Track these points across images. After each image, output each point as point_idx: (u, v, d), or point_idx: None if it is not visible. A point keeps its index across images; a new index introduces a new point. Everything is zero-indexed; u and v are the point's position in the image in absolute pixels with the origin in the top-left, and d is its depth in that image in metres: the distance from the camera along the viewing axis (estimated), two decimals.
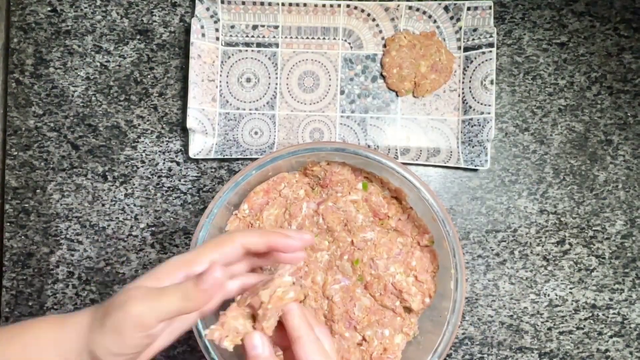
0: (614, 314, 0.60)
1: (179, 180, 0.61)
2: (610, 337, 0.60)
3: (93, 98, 0.62)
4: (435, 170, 0.61)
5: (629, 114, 0.61)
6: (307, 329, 0.34)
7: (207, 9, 0.60)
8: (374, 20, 0.61)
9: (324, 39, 0.62)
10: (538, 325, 0.60)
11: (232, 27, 0.61)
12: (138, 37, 0.62)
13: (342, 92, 0.62)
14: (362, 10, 0.60)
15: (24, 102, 0.61)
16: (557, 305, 0.60)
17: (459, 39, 0.61)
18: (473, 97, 0.59)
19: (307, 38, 0.62)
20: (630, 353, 0.60)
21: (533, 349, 0.60)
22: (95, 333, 0.33)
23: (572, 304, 0.60)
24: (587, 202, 0.60)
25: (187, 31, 0.62)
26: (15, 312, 0.61)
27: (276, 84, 0.62)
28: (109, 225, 0.61)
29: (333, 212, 0.53)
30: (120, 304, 0.32)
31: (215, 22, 0.61)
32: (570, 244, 0.60)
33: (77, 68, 0.62)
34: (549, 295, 0.60)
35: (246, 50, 0.62)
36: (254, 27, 0.62)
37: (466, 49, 0.60)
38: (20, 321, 0.35)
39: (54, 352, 0.34)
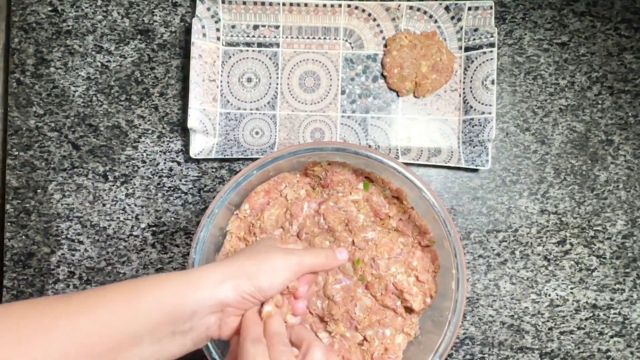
0: (614, 314, 0.60)
1: (180, 180, 0.61)
2: (611, 337, 0.60)
3: (94, 98, 0.62)
4: (436, 170, 0.61)
5: (629, 114, 0.61)
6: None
7: (208, 9, 0.60)
8: (374, 20, 0.61)
9: (324, 39, 0.62)
10: (539, 325, 0.60)
11: (233, 27, 0.61)
12: (139, 37, 0.62)
13: (343, 92, 0.62)
14: (363, 10, 0.60)
15: (24, 102, 0.61)
16: (558, 305, 0.60)
17: (459, 39, 0.61)
18: (474, 97, 0.59)
19: (308, 38, 0.62)
20: (631, 353, 0.60)
21: (534, 349, 0.60)
22: (249, 271, 0.38)
23: (573, 304, 0.60)
24: (588, 202, 0.60)
25: (188, 31, 0.62)
26: None
27: (277, 84, 0.62)
28: (109, 225, 0.61)
29: (334, 212, 0.53)
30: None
31: (216, 22, 0.61)
32: (571, 244, 0.60)
33: (77, 68, 0.62)
34: (549, 295, 0.60)
35: (247, 50, 0.62)
36: (255, 27, 0.61)
37: (467, 49, 0.60)
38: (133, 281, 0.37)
39: (192, 292, 0.37)
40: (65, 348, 0.33)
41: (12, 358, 0.32)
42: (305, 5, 0.60)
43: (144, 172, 0.61)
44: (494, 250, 0.60)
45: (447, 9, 0.60)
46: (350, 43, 0.62)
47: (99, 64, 0.62)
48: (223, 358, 0.45)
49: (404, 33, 0.61)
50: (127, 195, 0.61)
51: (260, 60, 0.62)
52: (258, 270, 0.38)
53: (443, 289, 0.51)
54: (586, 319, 0.60)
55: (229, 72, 0.62)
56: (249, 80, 0.62)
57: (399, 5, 0.60)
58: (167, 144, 0.61)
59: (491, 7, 0.59)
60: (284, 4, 0.60)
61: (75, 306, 0.34)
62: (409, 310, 0.53)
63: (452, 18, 0.60)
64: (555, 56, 0.61)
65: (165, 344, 0.36)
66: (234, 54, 0.62)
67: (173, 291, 0.36)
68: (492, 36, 0.58)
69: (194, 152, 0.59)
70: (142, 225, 0.61)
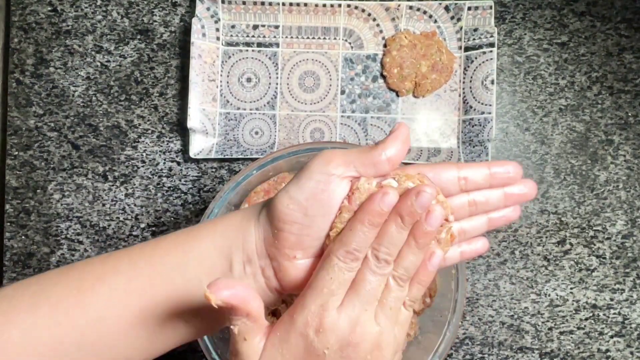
0: (614, 314, 0.60)
1: (180, 180, 0.61)
2: (611, 337, 0.60)
3: (93, 98, 0.62)
4: None
5: (629, 114, 0.61)
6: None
7: (208, 9, 0.60)
8: (374, 20, 0.61)
9: (324, 38, 0.62)
10: (539, 325, 0.60)
11: (233, 27, 0.61)
12: (138, 37, 0.62)
13: (342, 92, 0.62)
14: (363, 10, 0.60)
15: (24, 102, 0.61)
16: (557, 305, 0.60)
17: (459, 39, 0.61)
18: (474, 97, 0.59)
19: (308, 38, 0.62)
20: (631, 353, 0.60)
21: (534, 349, 0.60)
22: (278, 197, 0.32)
23: (572, 304, 0.60)
24: (587, 202, 0.60)
25: (188, 31, 0.62)
26: None
27: (277, 83, 0.62)
28: (109, 225, 0.61)
29: None
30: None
31: (216, 22, 0.61)
32: (570, 244, 0.60)
33: (77, 68, 0.62)
34: (549, 295, 0.60)
35: (247, 50, 0.62)
36: (255, 27, 0.61)
37: (467, 49, 0.60)
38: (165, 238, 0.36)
39: (241, 224, 0.34)
40: (125, 296, 0.33)
41: (72, 307, 0.32)
42: (305, 5, 0.60)
43: (144, 172, 0.61)
44: (493, 250, 0.60)
45: (446, 8, 0.60)
46: (349, 43, 0.61)
47: (99, 63, 0.62)
48: (223, 358, 0.45)
49: (404, 33, 0.61)
50: (126, 195, 0.61)
51: (259, 60, 0.62)
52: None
53: (443, 289, 0.51)
54: (586, 319, 0.60)
55: (228, 72, 0.62)
56: (249, 80, 0.62)
57: (399, 5, 0.60)
58: (167, 144, 0.61)
59: (491, 7, 0.59)
60: (283, 4, 0.60)
61: (136, 254, 0.34)
62: None
63: (452, 18, 0.60)
64: (555, 56, 0.61)
65: None
66: (233, 54, 0.62)
67: (230, 226, 0.34)
68: (491, 36, 0.58)
69: (193, 152, 0.59)
70: (142, 225, 0.61)
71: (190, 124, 0.58)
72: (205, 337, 0.46)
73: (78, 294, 0.33)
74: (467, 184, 0.33)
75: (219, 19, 0.61)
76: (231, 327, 0.30)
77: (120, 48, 0.62)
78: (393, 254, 0.31)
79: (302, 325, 0.30)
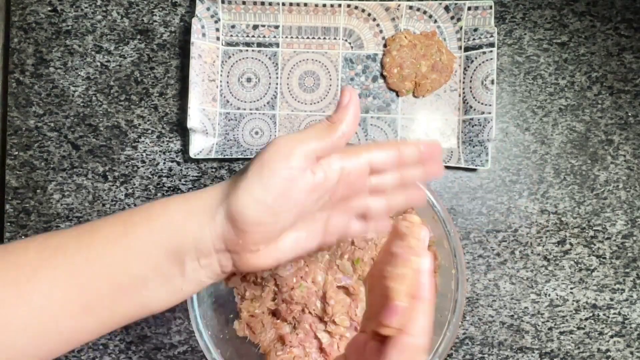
0: (614, 314, 0.60)
1: (180, 180, 0.61)
2: (611, 337, 0.60)
3: (93, 98, 0.61)
4: None
5: (629, 114, 0.61)
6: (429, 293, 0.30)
7: (208, 9, 0.60)
8: (374, 20, 0.61)
9: (324, 38, 0.62)
10: (539, 325, 0.60)
11: (233, 27, 0.61)
12: (138, 37, 0.62)
13: None
14: (363, 10, 0.60)
15: (24, 102, 0.61)
16: (557, 305, 0.60)
17: (459, 39, 0.61)
18: (474, 97, 0.59)
19: (308, 38, 0.62)
20: (631, 353, 0.60)
21: (534, 349, 0.60)
22: (236, 184, 0.31)
23: (572, 304, 0.60)
24: (587, 202, 0.60)
25: (188, 31, 0.62)
26: None
27: (277, 83, 0.62)
28: None
29: None
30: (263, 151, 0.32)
31: (216, 22, 0.61)
32: (570, 243, 0.60)
33: (77, 68, 0.62)
34: (549, 295, 0.60)
35: (247, 50, 0.62)
36: (255, 27, 0.61)
37: (467, 49, 0.60)
38: (140, 207, 0.34)
39: (188, 224, 0.32)
40: (66, 291, 0.31)
41: (10, 303, 0.31)
42: (305, 5, 0.60)
43: (144, 172, 0.61)
44: (493, 250, 0.60)
45: (446, 8, 0.60)
46: (349, 43, 0.61)
47: (99, 64, 0.62)
48: (223, 358, 0.45)
49: (404, 33, 0.61)
50: (126, 195, 0.61)
51: (259, 60, 0.62)
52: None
53: (443, 289, 0.51)
54: (586, 319, 0.60)
55: (228, 72, 0.62)
56: (249, 80, 0.62)
57: (399, 5, 0.60)
58: (167, 144, 0.61)
59: (491, 7, 0.59)
60: (283, 4, 0.60)
61: (72, 247, 0.32)
62: None
63: (452, 18, 0.60)
64: (555, 56, 0.61)
65: (178, 283, 0.33)
66: (233, 54, 0.62)
67: (172, 224, 0.32)
68: (491, 36, 0.58)
69: (193, 152, 0.59)
70: None
71: (190, 124, 0.58)
72: (205, 337, 0.46)
73: (17, 287, 0.31)
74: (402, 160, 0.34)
75: (219, 19, 0.61)
76: None
77: (120, 48, 0.62)
78: None
79: None
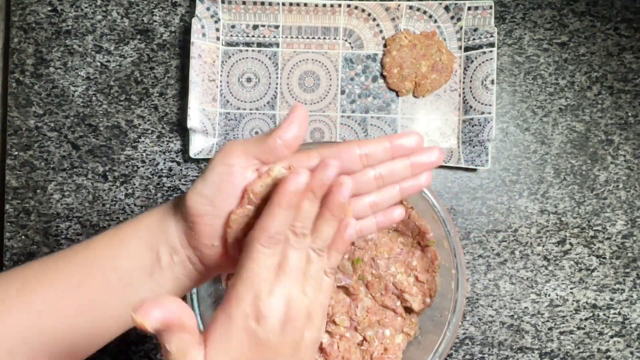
0: (614, 314, 0.60)
1: (180, 180, 0.61)
2: (611, 337, 0.60)
3: (93, 98, 0.62)
4: (435, 170, 0.61)
5: (629, 114, 0.61)
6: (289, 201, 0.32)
7: (208, 9, 0.60)
8: (374, 20, 0.61)
9: (324, 38, 0.62)
10: (539, 325, 0.60)
11: (233, 27, 0.61)
12: (138, 37, 0.62)
13: (342, 92, 0.62)
14: (363, 10, 0.60)
15: (24, 102, 0.61)
16: (557, 305, 0.60)
17: (459, 39, 0.61)
18: (474, 97, 0.59)
19: (308, 38, 0.62)
20: (631, 353, 0.60)
21: (534, 349, 0.60)
22: (187, 194, 0.34)
23: (572, 304, 0.60)
24: (587, 202, 0.60)
25: (188, 31, 0.62)
26: None
27: (277, 83, 0.62)
28: (109, 225, 0.61)
29: None
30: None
31: (216, 22, 0.61)
32: (570, 243, 0.60)
33: (77, 68, 0.62)
34: (549, 295, 0.60)
35: (247, 50, 0.62)
36: (255, 27, 0.61)
37: (467, 49, 0.60)
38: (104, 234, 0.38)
39: (163, 220, 0.36)
40: (63, 293, 0.35)
41: (16, 305, 0.35)
42: (305, 5, 0.60)
43: (144, 172, 0.61)
44: (493, 250, 0.60)
45: (446, 8, 0.60)
46: (349, 43, 0.61)
47: (99, 63, 0.62)
48: None
49: (404, 33, 0.61)
50: (126, 195, 0.61)
51: (259, 60, 0.62)
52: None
53: (443, 289, 0.51)
54: (586, 319, 0.60)
55: (228, 72, 0.62)
56: (249, 80, 0.62)
57: (399, 5, 0.60)
58: (167, 144, 0.61)
59: (491, 7, 0.59)
60: (283, 4, 0.60)
61: (30, 284, 0.36)
62: (409, 310, 0.53)
63: (452, 18, 0.60)
64: (555, 56, 0.61)
65: (159, 280, 0.35)
66: (233, 54, 0.62)
67: (153, 221, 0.36)
68: (491, 36, 0.58)
69: (193, 152, 0.59)
70: None
71: (190, 124, 0.58)
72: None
73: (20, 296, 0.35)
74: (368, 159, 0.35)
75: (219, 19, 0.61)
76: (166, 346, 0.29)
77: (120, 48, 0.62)
78: (308, 226, 0.32)
79: (242, 319, 0.31)
